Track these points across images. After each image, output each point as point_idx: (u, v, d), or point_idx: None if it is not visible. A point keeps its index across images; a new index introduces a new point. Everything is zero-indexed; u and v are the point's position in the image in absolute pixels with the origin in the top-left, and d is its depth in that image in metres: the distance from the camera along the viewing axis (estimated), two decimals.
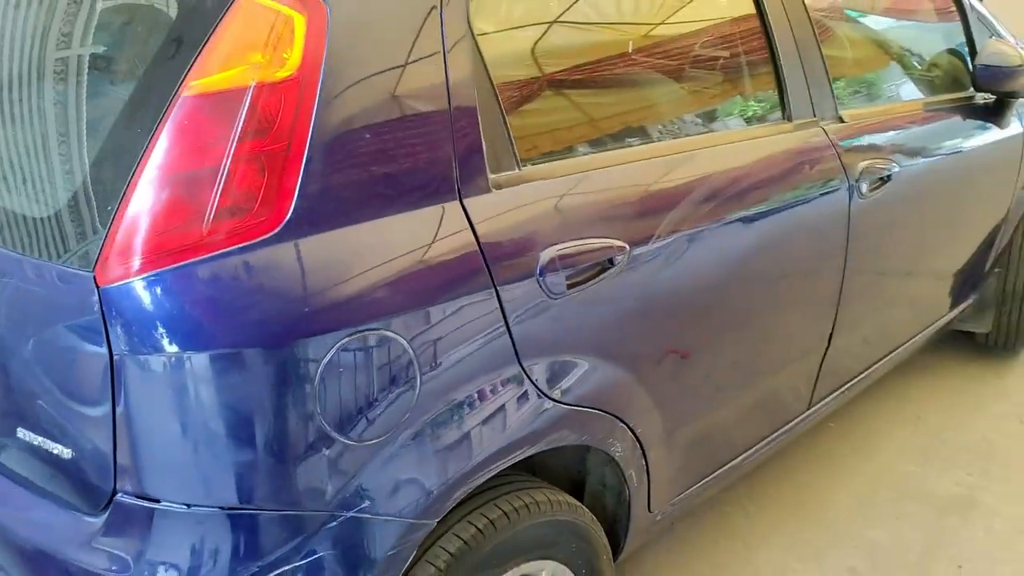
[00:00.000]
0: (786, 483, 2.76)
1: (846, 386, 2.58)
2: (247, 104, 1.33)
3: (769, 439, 2.34)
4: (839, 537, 2.56)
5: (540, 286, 1.57)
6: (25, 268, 1.40)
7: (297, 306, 1.32)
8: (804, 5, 2.17)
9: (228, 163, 1.31)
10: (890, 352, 2.75)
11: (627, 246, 1.69)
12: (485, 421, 1.53)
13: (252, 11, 1.38)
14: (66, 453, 1.36)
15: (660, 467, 1.94)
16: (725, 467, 2.21)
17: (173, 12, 1.49)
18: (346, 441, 1.37)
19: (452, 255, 1.47)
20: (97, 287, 1.28)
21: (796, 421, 2.43)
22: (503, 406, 1.55)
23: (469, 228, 1.50)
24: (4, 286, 1.43)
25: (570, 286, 1.61)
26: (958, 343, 3.49)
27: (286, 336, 1.32)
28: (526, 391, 1.58)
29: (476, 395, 1.51)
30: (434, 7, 1.52)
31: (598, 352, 1.70)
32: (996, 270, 3.17)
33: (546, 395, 1.61)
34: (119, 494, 1.33)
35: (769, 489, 2.73)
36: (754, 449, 2.29)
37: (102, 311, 1.28)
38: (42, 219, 1.43)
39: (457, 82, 1.52)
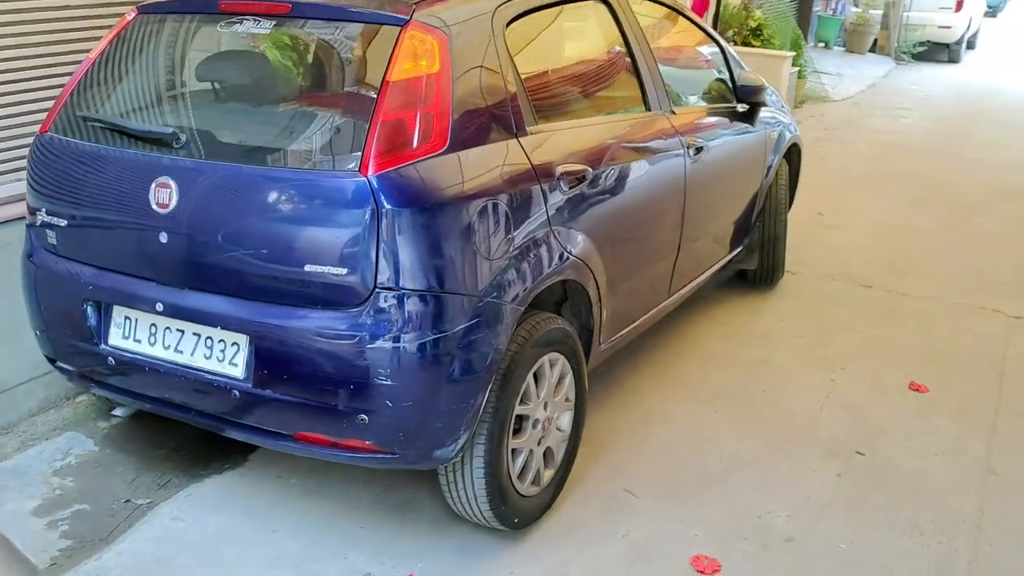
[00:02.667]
0: (654, 363, 4.17)
1: (683, 288, 4.04)
2: (424, 85, 2.57)
3: (649, 314, 3.73)
4: (695, 386, 3.99)
5: (557, 186, 2.88)
6: (296, 177, 2.51)
7: (459, 185, 2.56)
8: (651, 50, 3.65)
9: (420, 115, 2.54)
10: (703, 271, 4.24)
11: (590, 169, 3.04)
12: (539, 254, 2.79)
13: (413, 39, 2.62)
14: (341, 272, 2.47)
15: (607, 311, 3.26)
16: (629, 327, 3.57)
17: (372, 40, 2.70)
18: (487, 258, 2.60)
19: (519, 165, 2.76)
20: (366, 177, 2.44)
21: (661, 305, 3.84)
22: (546, 249, 2.83)
23: (523, 152, 2.79)
24: (281, 188, 2.53)
25: (569, 187, 2.93)
26: (737, 281, 5.09)
27: (454, 200, 2.54)
28: (554, 244, 2.86)
29: (533, 241, 2.78)
30: (491, 37, 2.82)
31: (582, 228, 3.01)
32: (758, 224, 4.80)
33: (562, 247, 2.90)
34: (376, 289, 2.47)
35: (644, 367, 4.12)
36: (643, 318, 3.68)
37: (370, 188, 2.44)
38: (312, 150, 2.56)
39: (506, 78, 2.82)
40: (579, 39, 3.53)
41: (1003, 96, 12.46)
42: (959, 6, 15.38)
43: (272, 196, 2.53)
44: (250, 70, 2.89)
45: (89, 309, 2.85)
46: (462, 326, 2.55)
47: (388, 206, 2.43)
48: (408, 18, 2.64)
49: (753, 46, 10.09)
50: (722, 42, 4.43)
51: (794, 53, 9.75)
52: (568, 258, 2.93)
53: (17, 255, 3.16)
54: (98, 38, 3.43)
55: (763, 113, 4.59)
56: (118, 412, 3.08)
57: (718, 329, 4.58)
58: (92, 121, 2.86)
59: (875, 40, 15.16)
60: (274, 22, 2.78)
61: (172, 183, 2.63)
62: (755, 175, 4.59)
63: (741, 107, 4.40)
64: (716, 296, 4.95)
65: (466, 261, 2.56)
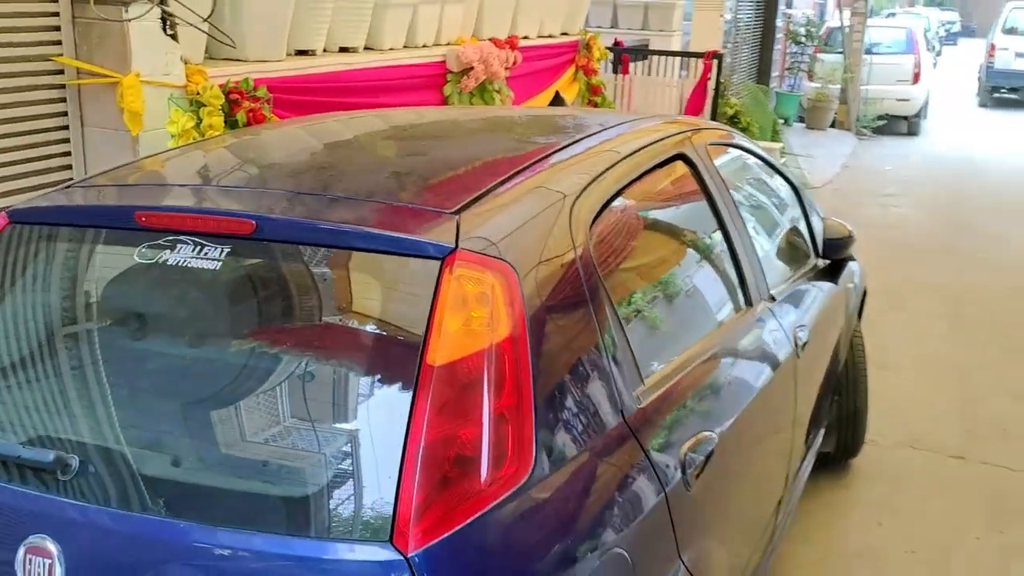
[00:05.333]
0: None
1: (785, 523, 3.00)
2: (487, 364, 1.50)
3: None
4: None
5: (681, 481, 1.82)
6: (280, 550, 1.42)
7: (559, 537, 1.49)
8: (741, 219, 2.65)
9: (488, 422, 1.47)
10: (799, 490, 3.21)
11: (715, 436, 2.00)
12: None
13: (462, 280, 1.56)
14: None
15: None
16: None
17: (390, 281, 1.64)
18: None
19: (635, 470, 1.71)
20: (405, 556, 1.36)
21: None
22: None
23: (636, 443, 1.74)
24: (255, 569, 1.43)
25: (696, 475, 1.88)
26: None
27: (555, 568, 1.47)
28: (681, 569, 1.81)
29: None
30: (574, 253, 1.78)
31: (706, 524, 1.97)
32: (836, 398, 3.81)
33: (689, 569, 1.84)
34: None
35: None
36: None
37: (412, 573, 1.36)
38: (300, 499, 1.47)
39: (600, 317, 1.78)
40: (666, 223, 2.51)
41: (983, 177, 11.87)
42: (916, 78, 14.97)
43: None
44: (185, 342, 1.76)
45: None
46: None
47: None
48: (453, 245, 1.59)
49: None
50: (795, 182, 3.48)
51: (781, 144, 8.98)
52: None
53: None
54: None
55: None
56: None
57: (805, 549, 3.53)
58: None
59: (834, 115, 14.64)
60: (227, 248, 1.70)
61: (53, 548, 1.51)
62: (838, 344, 3.61)
63: (821, 262, 3.44)
64: None
65: None
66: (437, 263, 1.57)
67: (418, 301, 1.56)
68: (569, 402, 1.63)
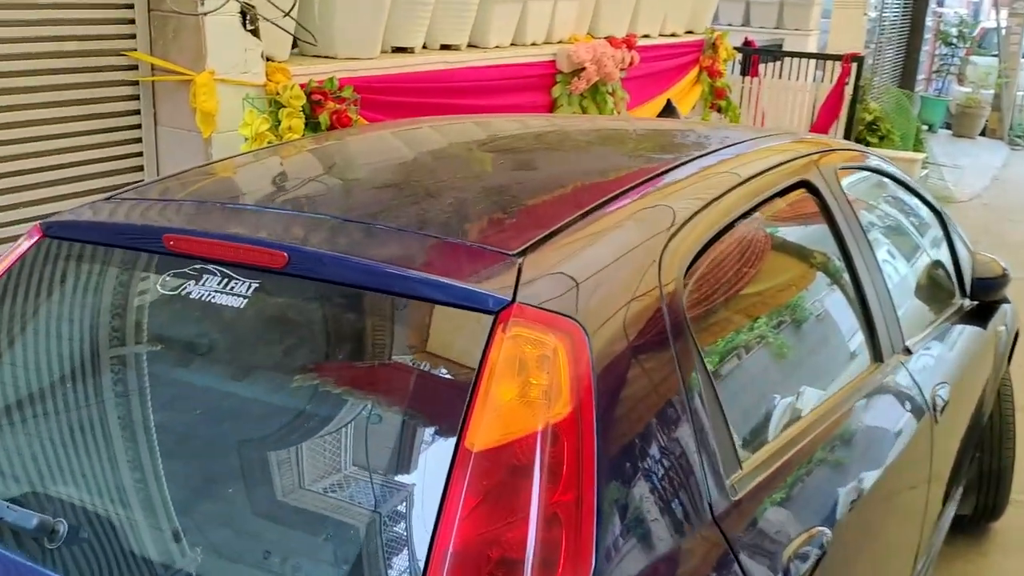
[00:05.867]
0: None
1: None
2: (541, 450, 1.22)
3: None
4: None
5: None
6: None
7: None
8: (875, 258, 2.27)
9: (536, 526, 1.18)
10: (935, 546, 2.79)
11: (828, 531, 1.65)
12: None
13: (518, 341, 1.28)
14: None
15: None
16: None
17: (429, 335, 1.37)
18: None
19: None
20: None
21: None
22: None
23: (728, 549, 1.41)
24: None
25: None
26: None
27: None
28: None
29: None
30: (661, 309, 1.46)
31: None
32: (977, 455, 3.34)
33: None
34: None
35: None
36: None
37: None
38: None
39: (692, 388, 1.46)
40: (780, 267, 2.13)
41: None
42: None
43: None
44: (196, 393, 1.52)
45: None
46: None
47: None
48: (510, 297, 1.30)
49: (870, 144, 8.68)
50: (939, 207, 3.04)
51: (924, 154, 8.31)
52: None
53: None
54: None
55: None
56: None
57: None
58: None
59: (985, 123, 13.63)
60: (256, 284, 1.46)
61: None
62: (983, 395, 3.15)
63: (968, 303, 2.99)
64: None
65: None
66: (489, 318, 1.29)
67: (462, 365, 1.29)
68: (643, 497, 1.32)
